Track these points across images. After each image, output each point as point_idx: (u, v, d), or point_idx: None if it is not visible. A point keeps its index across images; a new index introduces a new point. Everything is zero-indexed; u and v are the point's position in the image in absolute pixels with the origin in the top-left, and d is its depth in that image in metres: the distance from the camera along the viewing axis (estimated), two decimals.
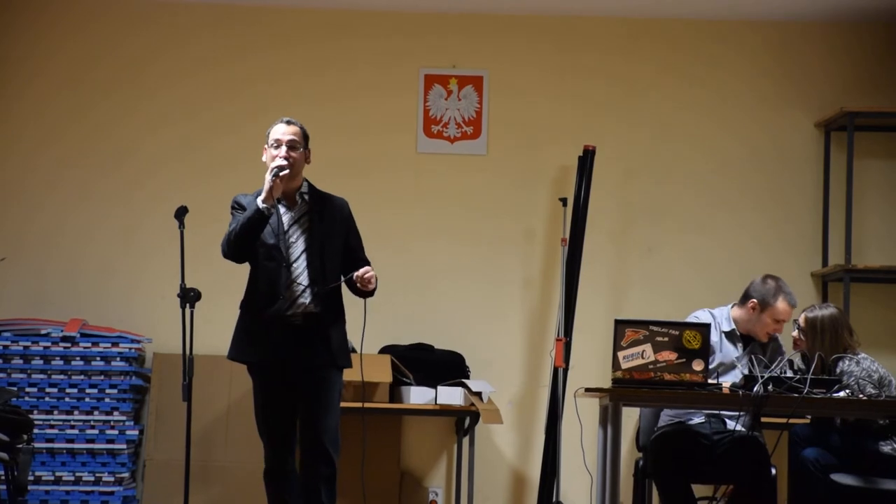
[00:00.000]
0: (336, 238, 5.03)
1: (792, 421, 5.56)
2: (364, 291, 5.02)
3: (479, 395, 6.39)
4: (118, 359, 6.44)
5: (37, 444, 6.16)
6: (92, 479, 6.36)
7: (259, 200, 4.90)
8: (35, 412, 6.33)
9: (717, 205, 6.99)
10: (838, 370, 5.45)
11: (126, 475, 6.43)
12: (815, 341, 5.48)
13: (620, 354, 5.06)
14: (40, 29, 6.96)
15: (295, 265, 4.97)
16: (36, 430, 6.07)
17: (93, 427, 6.39)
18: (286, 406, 4.97)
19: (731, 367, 5.59)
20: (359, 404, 6.22)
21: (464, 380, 6.51)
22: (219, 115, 6.93)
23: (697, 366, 5.06)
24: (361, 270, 4.95)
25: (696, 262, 6.88)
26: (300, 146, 5.00)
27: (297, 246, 4.98)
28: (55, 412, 6.40)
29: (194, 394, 5.24)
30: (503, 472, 6.87)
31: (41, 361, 6.42)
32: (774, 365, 5.40)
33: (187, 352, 5.13)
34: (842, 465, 5.52)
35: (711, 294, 6.50)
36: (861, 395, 5.24)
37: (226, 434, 6.55)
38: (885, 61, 7.02)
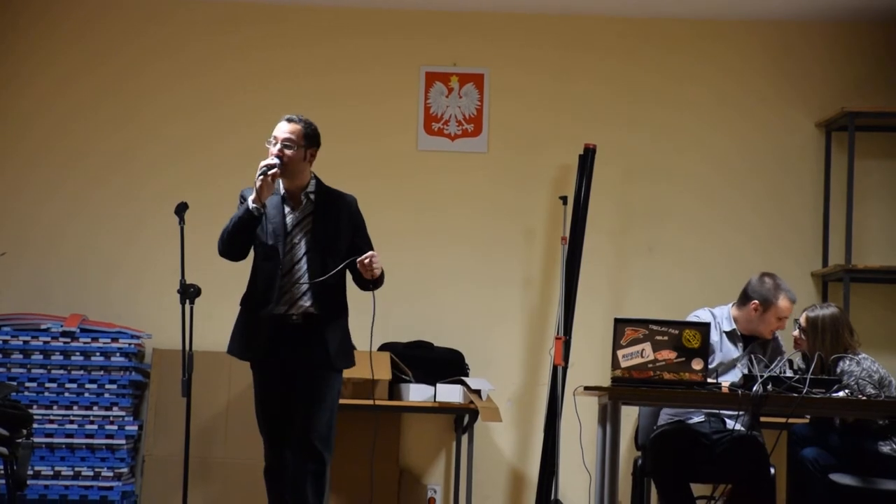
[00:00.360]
0: (341, 238, 4.99)
1: (791, 421, 5.57)
2: (369, 281, 4.95)
3: (478, 392, 6.39)
4: (118, 354, 6.45)
5: (36, 439, 6.16)
6: (91, 474, 6.36)
7: (250, 200, 4.89)
8: (34, 407, 6.33)
9: (717, 204, 6.99)
10: (839, 370, 5.45)
11: (125, 470, 6.43)
12: (816, 341, 5.49)
13: (620, 353, 5.07)
14: (45, 27, 6.96)
15: (297, 266, 4.95)
16: (35, 425, 6.06)
17: (92, 422, 6.40)
18: (283, 404, 4.96)
19: (732, 366, 5.60)
20: (359, 401, 6.24)
21: (463, 378, 6.52)
22: (221, 115, 6.94)
23: (697, 365, 5.07)
24: (365, 255, 4.89)
25: (696, 261, 6.89)
26: (296, 145, 4.93)
27: (300, 247, 4.95)
28: (55, 407, 6.40)
29: (194, 390, 5.25)
30: (502, 470, 6.87)
31: (41, 356, 6.43)
32: (774, 364, 5.41)
33: (187, 348, 5.13)
34: (841, 465, 5.53)
35: (712, 293, 6.50)
36: (861, 396, 5.24)
37: (225, 430, 6.55)
38: (885, 61, 7.02)
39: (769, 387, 5.01)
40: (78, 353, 6.43)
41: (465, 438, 6.61)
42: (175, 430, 6.22)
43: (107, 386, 6.43)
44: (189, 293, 5.17)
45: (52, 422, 6.38)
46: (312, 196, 5.00)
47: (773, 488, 5.58)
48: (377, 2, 6.95)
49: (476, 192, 6.97)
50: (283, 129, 4.97)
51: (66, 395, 6.42)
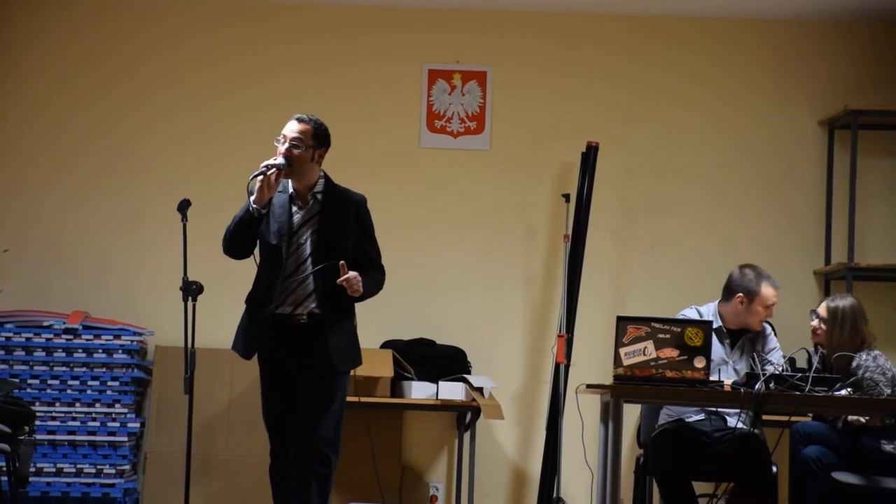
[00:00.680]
0: (346, 239, 4.96)
1: (793, 419, 5.57)
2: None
3: (480, 390, 6.39)
4: (120, 351, 6.45)
5: (38, 436, 6.16)
6: (93, 471, 6.37)
7: (251, 200, 4.88)
8: (37, 404, 6.33)
9: (719, 202, 6.99)
10: (854, 363, 5.46)
11: (127, 467, 6.44)
12: (835, 330, 5.50)
13: (622, 351, 5.07)
14: (43, 24, 6.96)
15: (302, 267, 4.92)
16: (38, 422, 6.07)
17: (94, 419, 6.40)
18: (287, 404, 4.95)
19: (720, 363, 5.57)
20: (361, 399, 6.24)
21: (465, 375, 6.52)
22: (221, 111, 6.93)
23: (699, 363, 5.06)
24: (342, 278, 4.84)
25: (698, 259, 6.88)
26: (304, 145, 4.90)
27: (306, 248, 4.92)
28: (57, 404, 6.40)
29: (196, 387, 5.25)
30: (504, 467, 6.87)
31: (43, 353, 6.43)
32: (768, 353, 5.41)
33: (189, 345, 5.13)
34: (843, 463, 5.53)
35: (713, 291, 6.46)
36: (871, 392, 5.24)
37: (227, 427, 6.55)
38: (888, 60, 7.01)
39: (771, 385, 5.00)
40: (80, 350, 6.43)
41: (467, 436, 6.61)
42: (177, 427, 6.23)
43: (109, 383, 6.43)
44: (191, 290, 5.17)
45: (54, 419, 6.38)
46: (320, 196, 4.97)
47: (775, 486, 5.58)
48: None
49: (478, 190, 6.97)
50: (293, 129, 4.93)
51: (69, 392, 6.42)
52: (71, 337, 6.43)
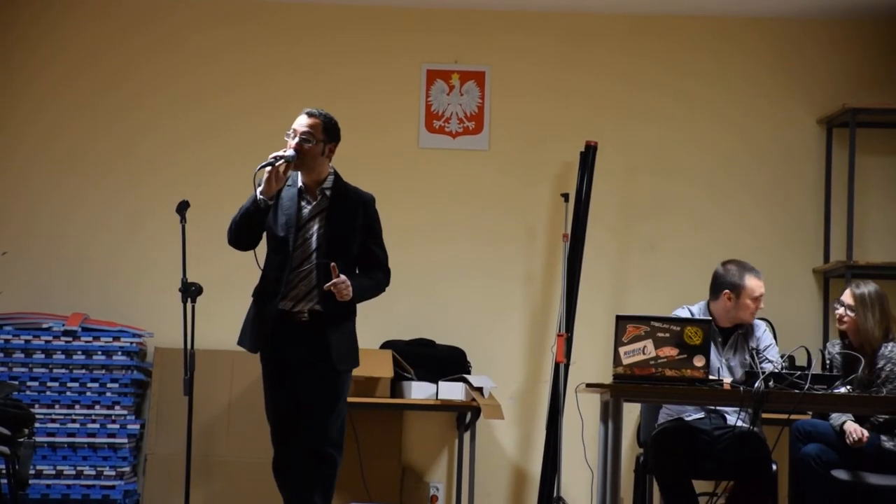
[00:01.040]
0: (352, 237, 4.95)
1: (793, 417, 5.57)
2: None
3: (480, 390, 6.39)
4: (119, 353, 6.45)
5: (38, 438, 6.16)
6: (93, 473, 6.36)
7: (258, 191, 4.87)
8: (36, 406, 6.33)
9: (718, 201, 6.99)
10: (879, 353, 5.50)
11: (127, 469, 6.44)
12: (866, 314, 5.55)
13: (621, 350, 5.06)
14: (45, 26, 6.96)
15: (305, 262, 4.91)
16: (37, 424, 6.07)
17: (94, 421, 6.40)
18: (288, 400, 4.95)
19: (713, 362, 5.55)
20: (361, 399, 6.24)
21: (465, 375, 6.51)
22: (220, 111, 6.93)
23: (698, 362, 5.06)
24: (330, 283, 4.83)
25: (697, 257, 6.87)
26: (314, 139, 4.90)
27: (312, 242, 4.92)
28: (56, 406, 6.40)
29: (195, 388, 5.26)
30: (504, 467, 6.87)
31: (42, 355, 6.43)
32: (765, 350, 5.42)
33: (188, 346, 5.13)
34: (842, 461, 5.53)
35: None
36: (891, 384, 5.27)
37: (227, 428, 6.55)
38: (887, 58, 7.01)
39: (771, 383, 5.00)
40: (80, 352, 6.43)
41: (467, 436, 6.61)
42: (177, 429, 6.23)
43: (109, 385, 6.43)
44: (190, 291, 5.17)
45: (53, 421, 6.38)
46: (328, 192, 4.97)
47: (775, 485, 5.58)
48: None
49: (477, 190, 6.97)
50: (303, 123, 4.94)
51: (68, 394, 6.42)
52: (70, 339, 6.43)
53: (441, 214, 6.96)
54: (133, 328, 6.55)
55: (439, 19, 7.02)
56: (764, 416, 5.49)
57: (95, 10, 6.98)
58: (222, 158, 6.86)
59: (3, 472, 5.53)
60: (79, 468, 6.37)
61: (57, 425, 6.38)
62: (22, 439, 5.58)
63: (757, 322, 5.68)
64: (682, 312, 5.66)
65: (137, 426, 6.48)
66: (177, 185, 6.70)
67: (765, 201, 6.99)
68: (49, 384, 6.41)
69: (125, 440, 6.40)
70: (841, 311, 5.64)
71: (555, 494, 6.45)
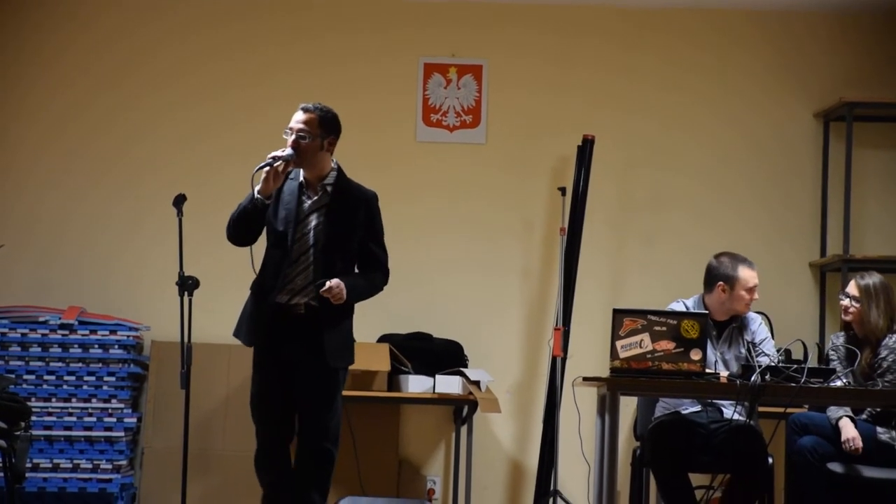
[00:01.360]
0: (351, 235, 4.94)
1: (789, 410, 5.57)
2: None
3: (477, 384, 6.40)
4: (116, 346, 6.44)
5: (34, 432, 6.17)
6: (90, 466, 6.36)
7: (256, 190, 4.87)
8: (33, 399, 6.33)
9: (715, 195, 6.99)
10: (883, 342, 5.52)
11: (124, 463, 6.44)
12: (872, 305, 5.56)
13: (618, 344, 5.07)
14: (48, 24, 6.95)
15: (304, 257, 4.92)
16: (34, 418, 6.07)
17: (91, 415, 6.39)
18: (279, 395, 4.94)
19: (708, 355, 5.55)
20: (358, 393, 6.24)
21: (462, 369, 6.52)
22: (219, 109, 6.93)
23: (695, 355, 5.06)
24: (332, 283, 4.82)
25: (694, 251, 6.85)
26: (310, 135, 4.88)
27: (310, 237, 4.91)
28: (53, 399, 6.40)
29: (192, 382, 5.26)
30: (501, 460, 6.88)
31: (39, 349, 6.42)
32: (762, 343, 5.42)
33: (185, 340, 5.13)
34: (838, 453, 5.53)
35: None
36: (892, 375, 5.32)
37: (224, 422, 6.55)
38: (884, 52, 7.01)
39: (767, 377, 5.00)
40: (76, 346, 6.43)
41: (464, 430, 6.61)
42: (174, 423, 6.22)
43: (105, 378, 6.43)
44: (188, 285, 5.17)
45: (50, 414, 6.38)
46: (330, 188, 4.95)
47: (771, 477, 5.59)
48: None
49: (475, 184, 6.97)
50: (298, 119, 4.92)
51: (65, 387, 6.41)
52: (67, 332, 6.43)
53: (438, 208, 6.96)
54: (130, 322, 6.55)
55: (436, 13, 7.02)
56: (760, 409, 5.50)
57: (95, 10, 6.97)
58: (221, 157, 6.86)
59: (0, 465, 5.53)
60: (75, 462, 6.37)
61: (53, 419, 6.38)
62: (18, 433, 5.58)
63: (752, 315, 5.68)
64: (678, 306, 5.66)
65: (134, 420, 6.47)
66: (176, 182, 6.65)
67: (761, 196, 6.99)
68: (46, 377, 6.41)
69: (122, 434, 6.40)
70: (846, 302, 5.65)
71: (551, 488, 6.46)
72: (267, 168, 4.83)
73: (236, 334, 5.03)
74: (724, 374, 5.31)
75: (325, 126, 4.92)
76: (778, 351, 5.51)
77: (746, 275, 5.58)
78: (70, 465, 6.36)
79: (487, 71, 7.02)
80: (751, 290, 5.58)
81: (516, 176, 6.97)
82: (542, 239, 6.95)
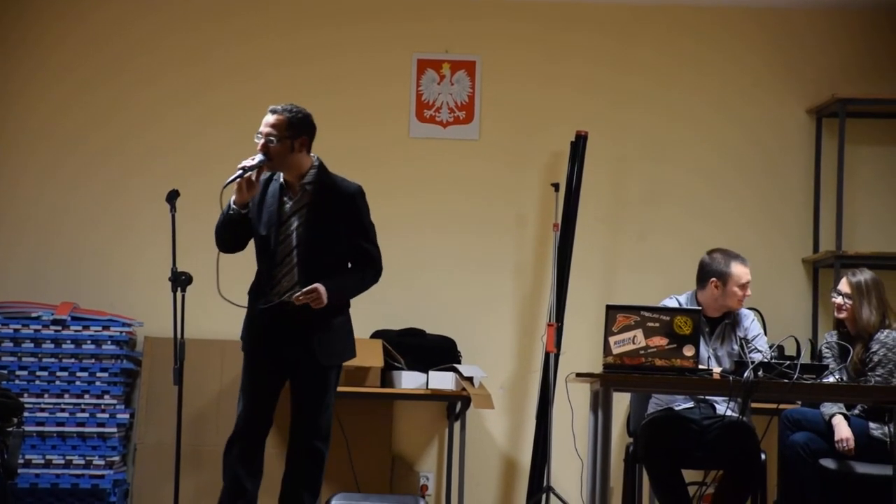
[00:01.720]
0: (333, 231, 4.90)
1: (781, 406, 5.58)
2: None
3: (470, 380, 6.40)
4: (109, 342, 6.43)
5: (27, 428, 6.15)
6: (82, 462, 6.36)
7: (231, 200, 4.85)
8: (25, 395, 6.32)
9: (709, 191, 7.00)
10: (875, 337, 5.54)
11: (116, 459, 6.43)
12: (863, 302, 5.58)
13: (611, 340, 5.07)
14: (41, 21, 6.94)
15: (287, 259, 4.90)
16: (26, 414, 6.06)
17: (83, 410, 6.39)
18: (266, 391, 4.92)
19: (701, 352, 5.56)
20: (351, 388, 6.24)
21: (455, 365, 6.52)
22: (212, 104, 6.92)
23: (688, 351, 5.07)
24: (306, 290, 4.78)
25: (688, 246, 6.85)
26: (278, 138, 4.81)
27: (293, 239, 4.89)
28: (46, 395, 6.39)
29: (185, 378, 5.24)
30: (494, 456, 6.88)
31: (32, 344, 6.41)
32: (754, 340, 5.43)
33: (179, 336, 5.12)
34: (831, 449, 5.54)
35: None
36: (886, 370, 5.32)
37: (217, 418, 6.54)
38: (876, 48, 7.02)
39: (760, 373, 5.01)
40: (69, 342, 6.42)
41: (457, 425, 6.61)
42: (167, 418, 6.22)
43: (98, 374, 6.42)
44: (181, 281, 5.16)
45: (42, 410, 6.37)
46: (309, 186, 4.91)
47: (764, 474, 5.60)
48: None
49: (468, 179, 6.97)
50: (267, 122, 4.85)
51: (57, 383, 6.40)
52: (59, 328, 6.42)
53: (431, 204, 6.96)
54: (123, 317, 6.54)
55: (430, 9, 7.01)
56: (753, 405, 5.51)
57: (88, 6, 6.96)
58: (214, 151, 6.85)
59: None
60: (68, 457, 6.36)
61: (46, 414, 6.37)
62: (11, 428, 5.57)
63: (745, 312, 5.69)
64: (671, 302, 5.67)
65: (127, 415, 6.47)
66: (169, 176, 6.67)
67: (755, 192, 6.99)
68: (38, 373, 6.40)
69: (114, 429, 6.39)
70: (839, 300, 5.66)
71: (544, 484, 6.46)
72: (238, 181, 4.80)
73: (242, 338, 5.03)
74: (716, 370, 5.31)
75: (294, 127, 4.85)
76: (770, 347, 5.52)
77: (739, 271, 5.59)
78: (62, 461, 6.35)
79: (481, 67, 7.01)
80: (743, 287, 5.59)
81: (510, 172, 6.97)
82: (536, 235, 6.95)
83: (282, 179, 4.95)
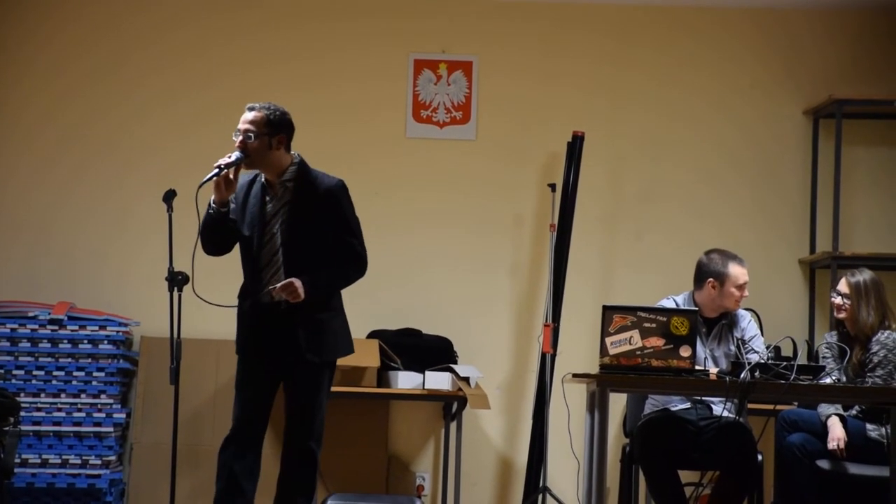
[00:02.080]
0: (318, 227, 4.86)
1: (778, 407, 5.58)
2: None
3: (466, 380, 6.40)
4: (105, 342, 6.43)
5: (24, 427, 6.14)
6: (79, 462, 6.35)
7: (211, 199, 4.84)
8: (22, 395, 6.31)
9: (706, 192, 7.00)
10: (874, 338, 5.53)
11: (113, 458, 6.43)
12: (862, 302, 5.58)
13: (608, 340, 5.07)
14: (35, 16, 6.93)
15: (275, 258, 4.88)
16: (23, 413, 6.05)
17: (80, 410, 6.38)
18: (260, 391, 4.91)
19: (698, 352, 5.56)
20: (347, 389, 6.24)
21: (452, 365, 6.52)
22: (208, 100, 6.91)
23: (685, 352, 5.07)
24: (283, 283, 4.75)
25: (685, 246, 6.86)
26: (257, 135, 4.79)
27: (277, 238, 4.87)
28: (42, 395, 6.38)
29: (182, 377, 5.23)
30: (490, 457, 6.88)
31: (28, 344, 6.41)
32: (751, 341, 5.43)
33: (175, 335, 5.12)
34: (827, 450, 5.54)
35: None
36: (886, 371, 5.33)
37: (213, 417, 6.54)
38: (873, 50, 7.02)
39: (756, 373, 5.01)
40: (66, 341, 6.41)
41: (453, 426, 6.61)
42: (163, 418, 6.21)
43: (95, 374, 6.41)
44: (177, 280, 5.15)
45: (39, 410, 6.36)
46: (290, 184, 4.88)
47: (760, 474, 5.60)
48: None
49: (465, 180, 6.97)
50: (244, 120, 4.84)
51: (54, 382, 6.40)
52: (56, 328, 6.41)
53: (428, 204, 6.96)
54: (119, 317, 6.53)
55: (426, 9, 7.01)
56: (749, 406, 5.50)
57: (81, 3, 6.95)
58: (210, 148, 6.80)
59: None
60: (64, 457, 6.35)
61: (42, 414, 6.36)
62: (7, 428, 5.57)
63: (741, 312, 5.69)
64: (668, 303, 5.67)
65: (123, 415, 6.46)
66: (164, 174, 6.68)
67: (752, 192, 7.00)
68: (35, 373, 6.39)
69: (111, 429, 6.39)
70: (838, 300, 5.66)
71: (541, 484, 6.46)
72: (215, 178, 4.79)
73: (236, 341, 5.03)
74: (713, 370, 5.32)
75: (272, 124, 4.83)
76: (767, 348, 5.52)
77: (737, 272, 5.59)
78: (59, 461, 6.35)
79: (478, 67, 7.01)
80: (741, 287, 5.59)
81: (507, 172, 6.97)
82: (533, 235, 6.95)
83: (263, 180, 4.93)
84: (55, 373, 6.40)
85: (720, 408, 5.49)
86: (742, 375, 4.98)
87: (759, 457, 5.56)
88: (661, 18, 7.03)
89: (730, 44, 7.04)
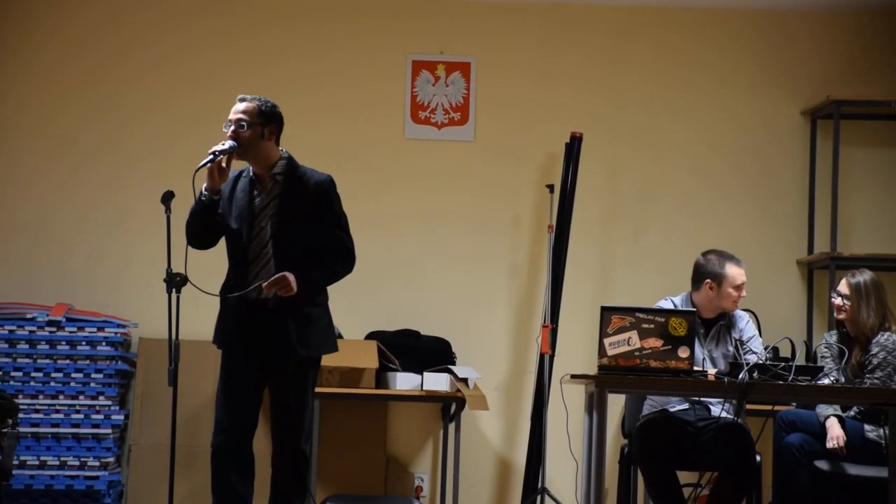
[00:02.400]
0: (305, 222, 4.84)
1: (776, 408, 5.58)
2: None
3: (465, 381, 6.40)
4: (104, 343, 6.43)
5: (22, 429, 6.13)
6: (77, 463, 6.35)
7: (203, 186, 4.83)
8: (20, 396, 6.31)
9: (704, 192, 7.01)
10: (874, 340, 5.53)
11: (111, 460, 6.42)
12: (862, 303, 5.57)
13: (606, 341, 5.07)
14: (35, 16, 6.93)
15: (264, 252, 4.86)
16: (21, 415, 6.04)
17: (78, 412, 6.38)
18: (249, 390, 4.89)
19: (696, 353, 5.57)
20: (345, 390, 6.24)
21: (450, 366, 6.52)
22: (206, 101, 6.90)
23: (683, 353, 5.07)
24: (274, 278, 4.73)
25: (683, 246, 6.86)
26: (249, 124, 4.80)
27: (266, 231, 4.85)
28: (40, 397, 6.38)
29: (180, 379, 5.22)
30: (489, 458, 6.88)
31: (27, 346, 6.41)
32: (749, 342, 5.43)
33: (173, 337, 5.12)
34: (825, 451, 5.55)
35: None
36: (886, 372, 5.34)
37: (211, 419, 6.47)
38: (871, 50, 7.03)
39: (755, 374, 5.02)
40: (64, 343, 6.41)
41: (452, 427, 6.61)
42: (161, 420, 6.20)
43: (93, 375, 6.41)
44: (175, 282, 5.14)
45: (37, 411, 6.36)
46: (279, 178, 4.87)
47: (759, 475, 5.60)
48: None
49: (463, 181, 6.97)
50: (236, 109, 4.86)
51: (52, 384, 6.40)
52: (54, 329, 6.41)
53: (426, 205, 6.96)
54: (117, 318, 6.53)
55: (425, 10, 7.01)
56: (748, 406, 5.51)
57: (79, 4, 6.95)
58: (207, 149, 6.81)
59: None
60: (62, 459, 6.35)
61: (41, 416, 6.36)
62: (5, 430, 5.57)
63: (739, 313, 5.69)
64: (665, 304, 5.67)
65: (121, 416, 6.46)
66: (162, 175, 6.66)
67: (750, 193, 7.00)
68: (33, 374, 6.39)
69: (109, 430, 6.39)
70: (838, 301, 5.66)
71: (539, 485, 6.46)
72: (209, 165, 4.78)
73: (214, 340, 5.00)
74: (711, 371, 5.32)
75: (263, 115, 4.85)
76: (766, 349, 5.52)
77: (734, 272, 5.59)
78: (57, 463, 6.35)
79: (476, 68, 7.01)
80: (738, 288, 5.59)
81: (505, 173, 6.98)
82: (531, 236, 6.95)
83: (251, 174, 4.92)
84: (53, 374, 6.39)
85: (718, 408, 5.49)
86: (740, 376, 4.98)
87: (758, 457, 5.56)
88: (659, 19, 7.03)
89: (728, 45, 7.04)
